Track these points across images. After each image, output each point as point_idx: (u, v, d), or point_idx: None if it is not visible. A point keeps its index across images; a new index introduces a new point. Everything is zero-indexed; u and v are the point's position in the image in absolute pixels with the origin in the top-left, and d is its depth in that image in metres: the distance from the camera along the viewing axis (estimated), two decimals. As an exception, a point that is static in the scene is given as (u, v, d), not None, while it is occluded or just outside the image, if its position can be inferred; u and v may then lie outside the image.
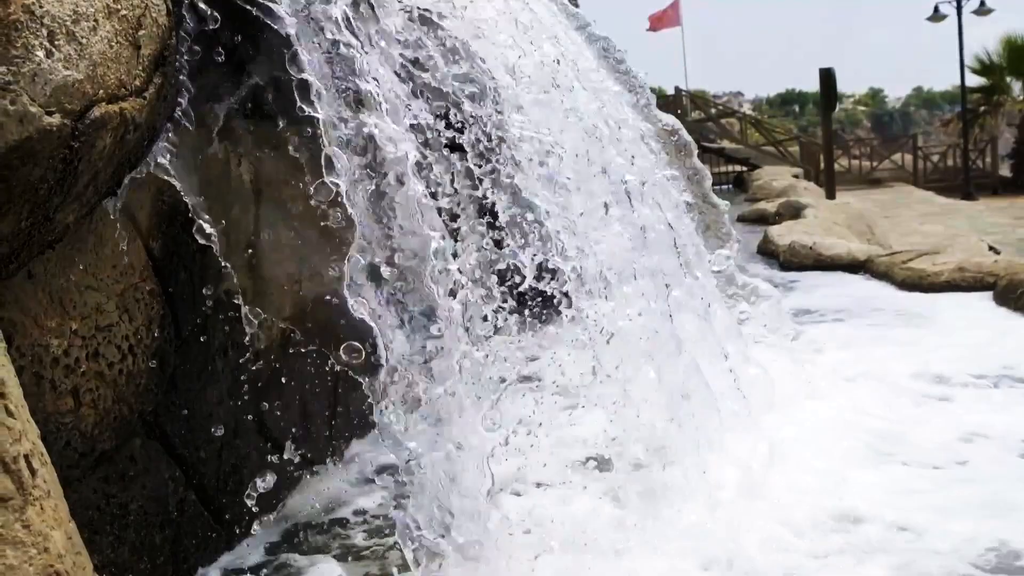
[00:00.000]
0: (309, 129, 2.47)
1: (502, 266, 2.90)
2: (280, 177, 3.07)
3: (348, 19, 2.53)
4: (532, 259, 2.89)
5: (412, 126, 2.62)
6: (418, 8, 2.86)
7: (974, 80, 25.77)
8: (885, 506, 2.94)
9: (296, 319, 3.30)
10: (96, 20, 1.81)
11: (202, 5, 2.37)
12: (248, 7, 2.43)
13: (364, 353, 2.39)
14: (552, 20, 4.00)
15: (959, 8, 22.57)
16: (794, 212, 11.88)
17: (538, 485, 3.18)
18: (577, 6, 5.04)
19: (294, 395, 3.24)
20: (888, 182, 24.11)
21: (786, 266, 8.31)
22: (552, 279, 2.94)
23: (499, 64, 3.11)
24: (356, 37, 2.53)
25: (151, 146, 2.28)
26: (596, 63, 4.24)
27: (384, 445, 2.54)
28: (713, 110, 28.73)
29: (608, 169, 3.50)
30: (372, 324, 2.36)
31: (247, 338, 2.93)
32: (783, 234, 9.17)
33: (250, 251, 3.02)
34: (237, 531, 2.96)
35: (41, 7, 1.66)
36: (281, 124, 2.90)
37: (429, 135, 2.72)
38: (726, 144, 26.52)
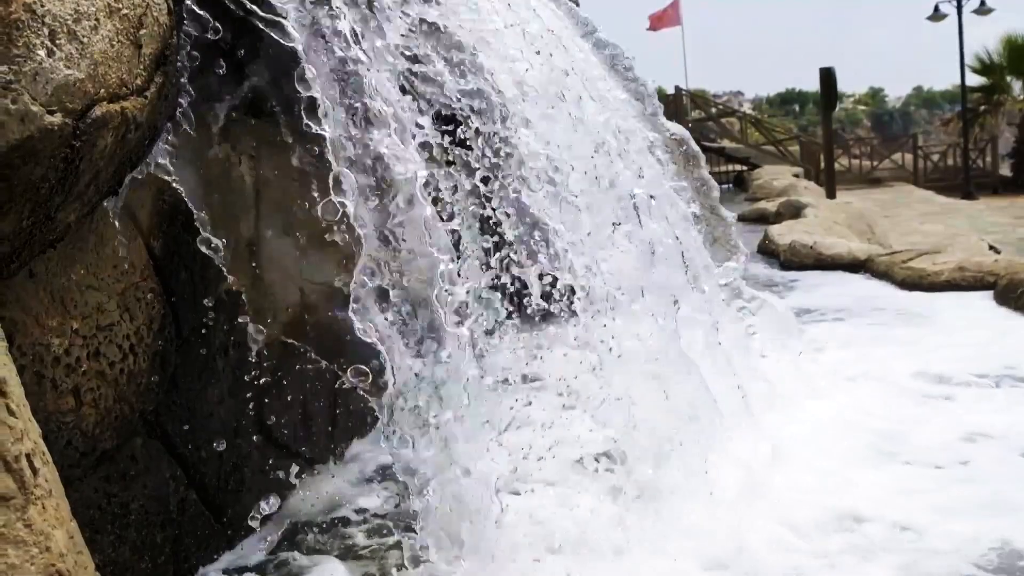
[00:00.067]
0: (309, 127, 2.46)
1: (506, 279, 2.91)
2: (281, 177, 3.07)
3: (356, 34, 2.50)
4: (539, 278, 2.89)
5: (421, 144, 2.60)
6: (424, 21, 2.84)
7: (974, 79, 25.81)
8: (887, 506, 2.94)
9: (297, 318, 3.30)
10: (97, 19, 1.80)
11: (203, 13, 2.36)
12: (251, 19, 2.42)
13: (371, 375, 2.39)
14: (559, 25, 3.98)
15: (959, 7, 22.57)
16: (794, 211, 11.88)
17: (538, 484, 3.17)
18: (578, 4, 5.03)
19: (295, 394, 3.24)
20: (888, 181, 24.12)
21: (786, 265, 8.31)
22: (553, 286, 2.94)
23: (507, 77, 3.09)
24: (364, 52, 2.50)
25: (152, 145, 2.28)
26: (604, 71, 4.22)
27: (397, 474, 2.55)
28: (713, 109, 28.72)
29: (616, 182, 3.49)
30: (380, 348, 2.36)
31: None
32: (783, 233, 9.17)
33: (250, 250, 3.02)
34: (238, 530, 2.96)
35: (42, 6, 1.66)
36: (281, 125, 2.90)
37: (435, 152, 2.71)
38: (726, 143, 26.51)
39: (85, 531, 1.64)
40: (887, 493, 3.05)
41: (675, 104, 24.11)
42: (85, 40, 1.76)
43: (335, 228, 2.45)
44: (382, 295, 2.42)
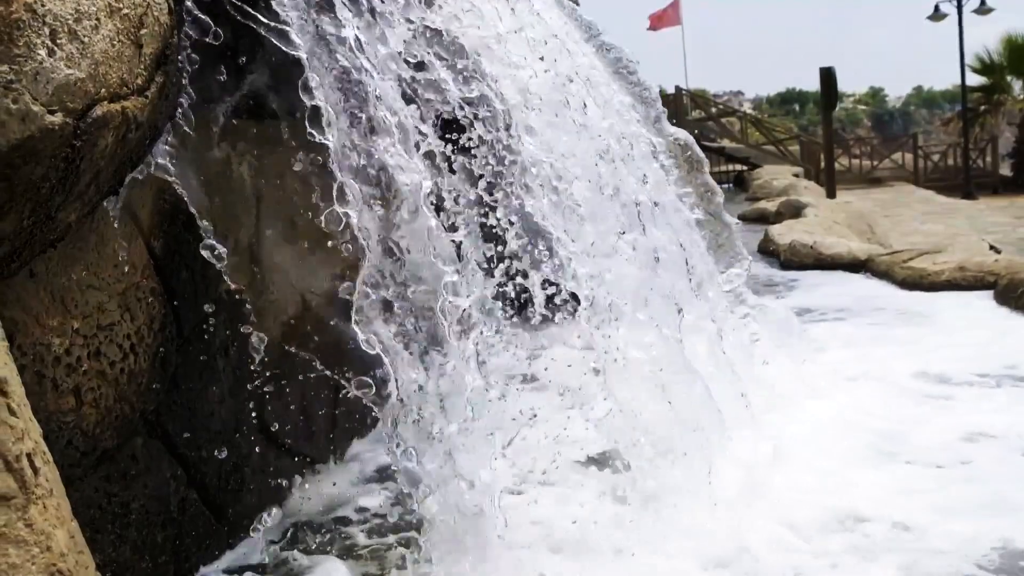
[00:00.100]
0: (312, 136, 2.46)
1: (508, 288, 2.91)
2: (281, 177, 3.07)
3: (359, 41, 2.48)
4: (543, 287, 2.89)
5: (425, 153, 2.59)
6: (427, 27, 2.83)
7: (974, 79, 25.78)
8: (888, 506, 2.94)
9: (298, 318, 3.30)
10: (98, 19, 1.80)
11: (203, 16, 2.36)
12: (252, 25, 2.42)
13: (374, 386, 2.38)
14: (563, 29, 3.97)
15: (959, 7, 22.55)
16: (794, 211, 11.89)
17: (539, 484, 3.17)
18: (578, 4, 5.03)
19: (295, 394, 3.24)
20: (888, 181, 24.09)
21: (787, 265, 8.31)
22: (556, 293, 2.94)
23: (510, 84, 3.07)
24: (368, 60, 2.49)
25: (153, 145, 2.28)
26: (608, 75, 4.20)
27: (401, 486, 2.55)
28: (713, 109, 28.66)
29: (620, 189, 3.48)
30: (384, 360, 2.35)
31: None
32: (783, 233, 9.18)
33: (251, 251, 3.02)
34: (238, 530, 2.96)
35: (43, 6, 1.66)
36: (282, 127, 2.91)
37: (438, 159, 2.70)
38: (726, 143, 26.50)
39: (86, 531, 1.64)
40: (888, 493, 3.05)
41: (675, 104, 24.10)
42: (86, 40, 1.76)
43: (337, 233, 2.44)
44: (386, 306, 2.41)
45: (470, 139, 2.89)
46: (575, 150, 3.27)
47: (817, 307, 6.38)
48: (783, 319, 4.95)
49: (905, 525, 2.82)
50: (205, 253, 2.54)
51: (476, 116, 2.86)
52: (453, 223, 2.76)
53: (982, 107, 26.27)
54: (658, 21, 29.75)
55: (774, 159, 24.45)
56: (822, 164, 19.59)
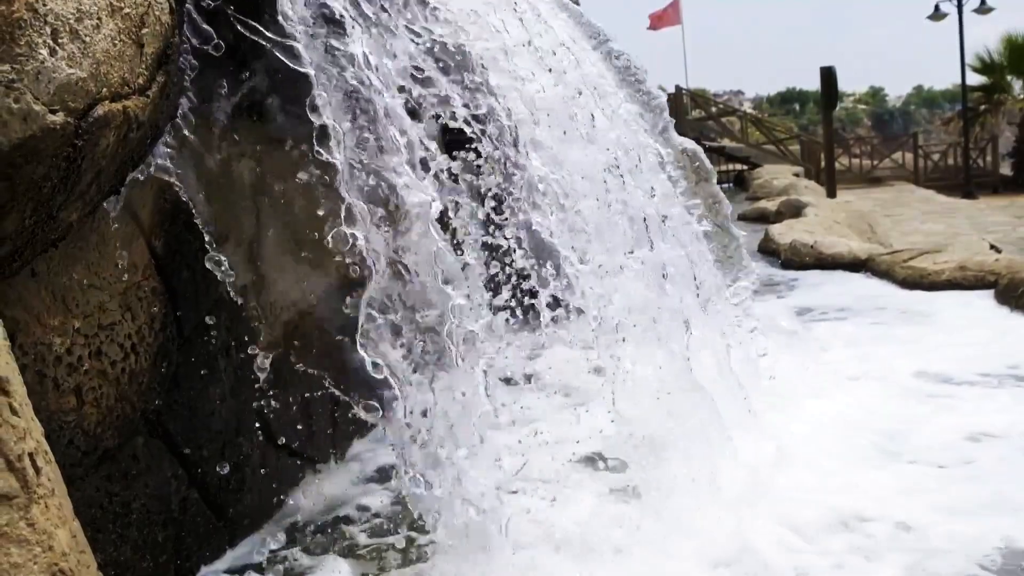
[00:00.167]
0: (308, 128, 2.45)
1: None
2: (282, 177, 3.07)
3: (367, 57, 2.45)
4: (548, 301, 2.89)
5: (427, 167, 2.56)
6: (436, 40, 2.80)
7: (975, 79, 25.77)
8: (891, 506, 2.94)
9: (298, 319, 3.30)
10: (99, 18, 1.80)
11: (205, 25, 2.36)
12: (255, 37, 2.41)
13: (381, 411, 2.37)
14: (571, 36, 3.94)
15: (960, 7, 22.55)
16: (795, 211, 11.88)
17: (540, 483, 3.17)
18: (578, 3, 5.02)
19: (296, 394, 3.24)
20: (889, 181, 24.08)
21: (787, 265, 8.31)
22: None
23: (517, 96, 3.05)
24: (376, 75, 2.46)
25: (154, 144, 2.28)
26: (615, 84, 4.18)
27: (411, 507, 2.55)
28: (714, 108, 28.64)
29: (628, 203, 3.46)
30: (393, 384, 2.34)
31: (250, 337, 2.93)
32: (784, 233, 9.17)
33: (251, 250, 3.01)
34: (239, 529, 2.96)
35: (45, 5, 1.65)
36: (281, 125, 2.90)
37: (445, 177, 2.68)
38: (727, 143, 26.47)
39: (87, 530, 1.64)
40: (890, 493, 3.05)
41: (675, 103, 24.08)
42: (87, 39, 1.76)
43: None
44: (393, 328, 2.39)
45: (477, 154, 2.87)
46: (583, 164, 3.25)
47: (818, 306, 6.38)
48: (790, 331, 4.96)
49: (908, 525, 2.82)
50: (210, 265, 2.54)
51: (483, 132, 2.85)
52: (458, 242, 2.74)
53: (982, 106, 26.26)
54: (658, 21, 29.74)
55: (774, 158, 24.43)
56: (822, 164, 19.59)
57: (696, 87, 34.45)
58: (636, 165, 3.73)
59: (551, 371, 4.48)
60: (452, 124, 2.75)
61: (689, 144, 4.53)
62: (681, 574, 2.60)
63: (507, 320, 3.26)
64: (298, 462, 3.32)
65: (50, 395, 2.10)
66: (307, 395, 3.32)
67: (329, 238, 2.32)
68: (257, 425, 3.03)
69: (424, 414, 2.44)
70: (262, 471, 3.07)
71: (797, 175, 20.64)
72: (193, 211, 2.62)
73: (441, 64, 2.78)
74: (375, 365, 2.31)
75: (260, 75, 2.71)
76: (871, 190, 21.18)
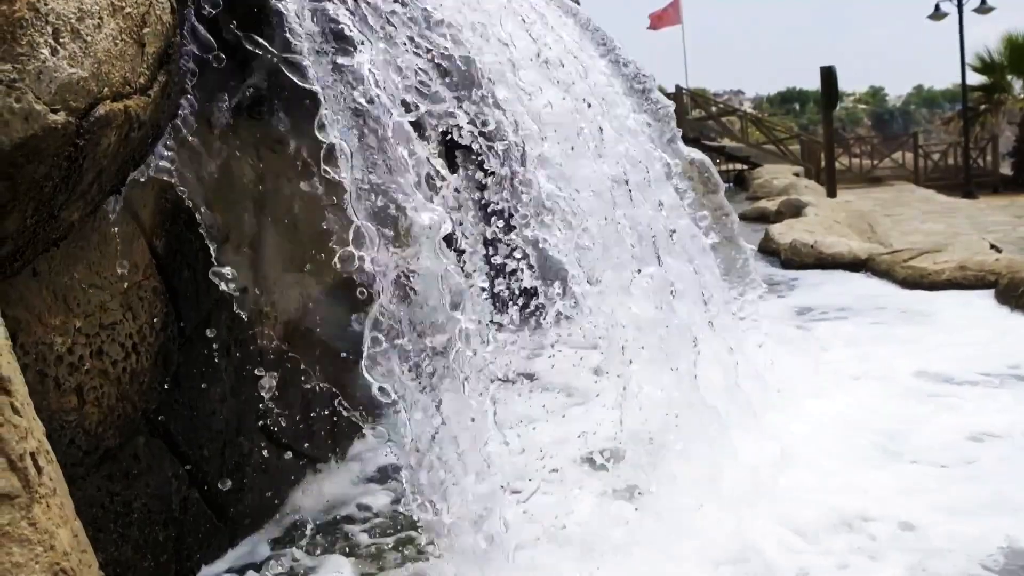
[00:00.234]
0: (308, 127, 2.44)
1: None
2: (282, 176, 3.07)
3: (373, 74, 2.43)
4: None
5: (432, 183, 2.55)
6: (442, 50, 2.79)
7: (975, 78, 25.79)
8: (893, 506, 2.93)
9: (298, 319, 3.30)
10: (101, 18, 1.80)
11: (204, 32, 2.35)
12: (258, 51, 2.40)
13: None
14: (578, 43, 3.92)
15: (960, 6, 22.56)
16: (795, 210, 11.87)
17: (541, 483, 3.17)
18: (578, 3, 5.02)
19: (297, 393, 3.24)
20: (889, 180, 24.09)
21: (787, 264, 8.31)
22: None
23: (524, 112, 3.03)
24: (383, 92, 2.44)
25: (155, 144, 2.28)
26: (622, 93, 4.16)
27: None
28: (714, 108, 28.62)
29: (636, 218, 3.45)
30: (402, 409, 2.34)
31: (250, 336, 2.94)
32: (784, 232, 9.17)
33: (252, 250, 3.01)
34: (240, 529, 2.96)
35: (46, 5, 1.65)
36: (282, 125, 2.90)
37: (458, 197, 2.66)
38: (727, 142, 26.46)
39: (88, 530, 1.64)
40: (892, 493, 3.05)
41: (675, 103, 24.03)
42: (89, 39, 1.76)
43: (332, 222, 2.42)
44: (402, 354, 2.37)
45: (484, 171, 2.86)
46: (591, 179, 3.23)
47: (818, 306, 6.38)
48: (796, 341, 4.97)
49: (910, 525, 2.82)
50: (214, 278, 2.54)
51: (491, 148, 2.83)
52: (463, 261, 2.72)
53: (982, 106, 26.28)
54: (658, 20, 29.72)
55: (774, 158, 24.43)
56: (822, 163, 19.59)
57: (696, 87, 34.45)
58: (644, 178, 3.71)
59: (552, 371, 4.48)
60: (458, 139, 2.74)
61: (697, 154, 4.52)
62: (682, 574, 2.60)
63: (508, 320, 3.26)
64: (299, 462, 3.32)
65: (51, 394, 2.10)
66: (308, 395, 3.32)
67: (336, 261, 2.30)
68: (258, 425, 3.03)
69: (432, 438, 2.43)
70: (263, 471, 3.07)
71: (797, 175, 20.62)
72: (194, 211, 2.62)
73: (448, 79, 2.77)
74: (381, 390, 2.30)
75: (260, 75, 2.71)
76: (871, 190, 21.19)
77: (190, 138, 2.46)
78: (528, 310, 2.94)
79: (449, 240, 2.46)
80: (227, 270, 2.57)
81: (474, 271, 2.76)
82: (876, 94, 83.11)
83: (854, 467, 3.30)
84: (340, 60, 2.39)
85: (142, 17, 1.95)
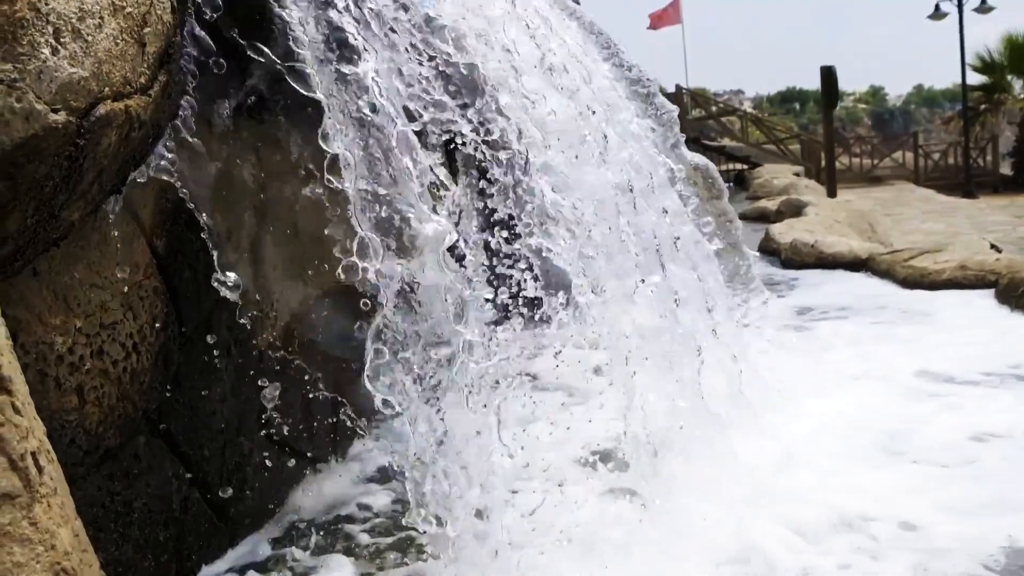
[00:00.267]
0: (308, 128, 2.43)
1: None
2: (283, 177, 3.07)
3: (376, 83, 2.41)
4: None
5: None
6: (445, 60, 2.77)
7: (975, 78, 25.77)
8: (896, 505, 2.93)
9: (299, 319, 3.30)
10: (102, 17, 1.80)
11: (205, 37, 2.35)
12: (260, 58, 2.40)
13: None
14: (582, 47, 3.91)
15: (960, 6, 22.55)
16: (795, 210, 11.87)
17: (542, 482, 3.17)
18: (578, 3, 5.02)
19: (297, 393, 3.24)
20: (889, 180, 24.08)
21: (788, 264, 8.31)
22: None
23: (527, 120, 3.02)
24: (389, 102, 2.43)
25: (156, 144, 2.28)
26: (626, 97, 4.15)
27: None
28: (714, 108, 28.63)
29: (640, 225, 3.44)
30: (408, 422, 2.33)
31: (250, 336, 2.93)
32: (784, 232, 9.17)
33: (253, 251, 3.01)
34: (240, 528, 2.96)
35: (47, 4, 1.65)
36: (282, 124, 2.90)
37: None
38: (727, 142, 26.47)
39: (88, 529, 1.64)
40: (894, 492, 3.05)
41: (676, 103, 24.02)
42: (89, 38, 1.75)
43: (333, 222, 2.42)
44: (405, 366, 2.37)
45: (487, 179, 2.86)
46: (595, 188, 3.23)
47: (819, 306, 6.38)
48: (797, 341, 4.97)
49: (912, 525, 2.82)
50: (216, 284, 2.54)
51: (495, 158, 2.82)
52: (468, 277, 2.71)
53: (982, 106, 26.27)
54: (658, 20, 29.71)
55: (774, 158, 24.43)
56: (822, 163, 19.59)
57: (696, 86, 34.40)
58: (648, 184, 3.70)
59: (552, 370, 4.48)
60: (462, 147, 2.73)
61: (700, 160, 4.52)
62: (683, 574, 2.60)
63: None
64: (299, 461, 3.32)
65: (52, 394, 2.10)
66: (308, 395, 3.32)
67: (340, 271, 2.29)
68: (258, 425, 3.03)
69: (436, 450, 2.43)
70: (263, 471, 3.07)
71: (797, 174, 20.64)
72: (194, 211, 2.62)
73: (451, 87, 2.76)
74: (385, 402, 2.30)
75: (261, 77, 2.71)
76: (871, 189, 21.18)
77: (190, 139, 2.45)
78: (532, 317, 2.94)
79: (451, 248, 2.46)
80: (231, 277, 2.57)
81: (476, 279, 2.75)
82: (876, 94, 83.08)
83: (855, 467, 3.30)
84: (344, 69, 2.38)
85: (143, 17, 1.95)
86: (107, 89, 1.81)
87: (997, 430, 3.56)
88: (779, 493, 3.03)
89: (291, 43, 2.35)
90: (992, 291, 6.16)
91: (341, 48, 2.43)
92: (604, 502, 3.00)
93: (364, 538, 3.00)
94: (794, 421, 3.72)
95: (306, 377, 3.26)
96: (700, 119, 26.35)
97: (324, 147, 2.30)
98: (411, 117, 2.53)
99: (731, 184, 22.85)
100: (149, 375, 2.48)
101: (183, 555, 2.66)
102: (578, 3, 5.01)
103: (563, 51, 3.54)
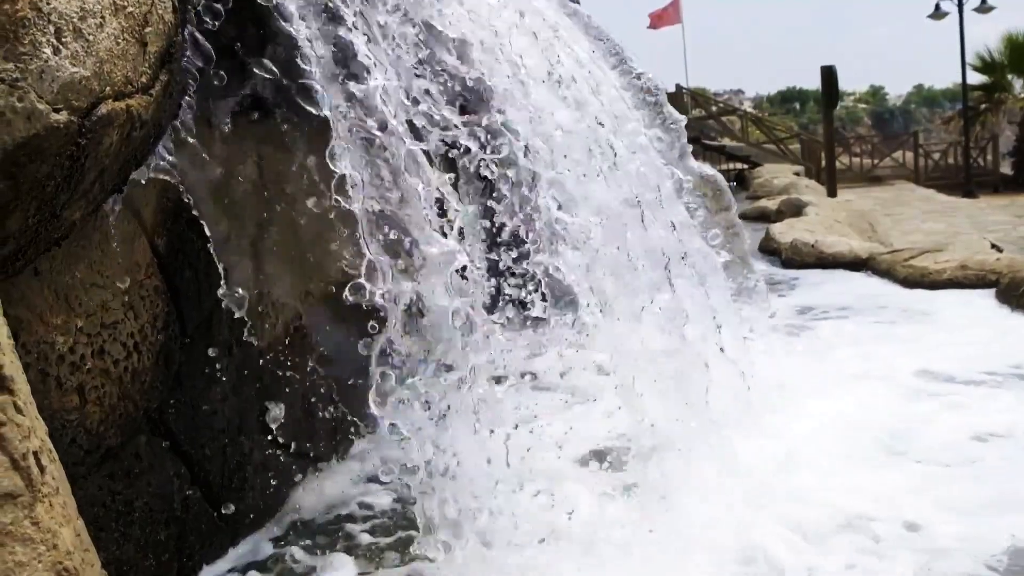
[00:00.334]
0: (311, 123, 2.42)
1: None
2: (285, 176, 3.07)
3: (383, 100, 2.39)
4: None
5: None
6: (453, 75, 2.76)
7: (975, 78, 25.77)
8: (898, 505, 2.93)
9: (299, 318, 3.30)
10: (103, 17, 1.80)
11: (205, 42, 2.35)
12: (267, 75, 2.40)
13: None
14: (590, 56, 3.89)
15: (960, 6, 22.55)
16: (795, 210, 11.86)
17: (543, 482, 3.17)
18: (578, 2, 5.01)
19: (298, 392, 3.24)
20: (889, 180, 24.08)
21: (788, 264, 8.30)
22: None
23: (535, 132, 3.00)
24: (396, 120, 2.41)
25: (157, 143, 2.28)
26: (634, 106, 4.13)
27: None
28: (714, 108, 28.62)
29: (647, 240, 3.43)
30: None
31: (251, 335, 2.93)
32: (785, 232, 9.17)
33: (254, 251, 3.01)
34: (242, 528, 2.96)
35: (48, 4, 1.65)
36: (283, 124, 2.90)
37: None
38: (727, 142, 26.46)
39: (90, 528, 1.64)
40: (896, 492, 3.04)
41: (676, 103, 24.02)
42: (91, 38, 1.75)
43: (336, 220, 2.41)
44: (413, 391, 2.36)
45: (493, 196, 2.85)
46: (603, 203, 3.21)
47: (819, 305, 6.37)
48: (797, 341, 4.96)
49: (915, 525, 2.81)
50: (224, 300, 2.54)
51: (503, 175, 2.81)
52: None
53: (983, 105, 26.26)
54: (658, 20, 29.70)
55: (775, 157, 24.42)
56: (823, 163, 19.59)
57: (696, 86, 34.37)
58: (656, 197, 3.69)
59: (553, 370, 4.48)
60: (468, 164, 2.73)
61: (708, 170, 4.51)
62: (684, 574, 2.60)
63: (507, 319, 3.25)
64: (300, 461, 3.32)
65: (53, 394, 2.10)
66: (309, 394, 3.32)
67: (347, 293, 2.28)
68: (259, 424, 3.03)
69: (443, 473, 2.43)
70: (264, 470, 3.07)
71: (797, 174, 20.62)
72: (195, 211, 2.62)
73: (459, 102, 2.74)
74: (392, 427, 2.29)
75: (261, 78, 2.71)
76: (871, 189, 21.18)
77: (191, 139, 2.45)
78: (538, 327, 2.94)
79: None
80: (239, 291, 2.57)
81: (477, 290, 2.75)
82: (876, 93, 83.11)
83: (856, 466, 3.29)
84: (352, 86, 2.37)
85: (144, 16, 1.95)
86: (108, 89, 1.80)
87: (998, 430, 3.56)
88: (780, 493, 3.03)
89: (298, 59, 2.34)
90: (993, 291, 6.16)
91: (348, 62, 2.42)
92: (604, 502, 3.00)
93: (364, 537, 3.00)
94: (795, 421, 3.71)
95: (306, 377, 3.26)
96: (700, 119, 26.31)
97: (332, 167, 2.29)
98: (418, 134, 2.52)
99: (731, 184, 22.93)
100: (150, 374, 2.48)
101: (184, 554, 2.66)
102: (577, 2, 5.00)
103: (571, 61, 3.53)
